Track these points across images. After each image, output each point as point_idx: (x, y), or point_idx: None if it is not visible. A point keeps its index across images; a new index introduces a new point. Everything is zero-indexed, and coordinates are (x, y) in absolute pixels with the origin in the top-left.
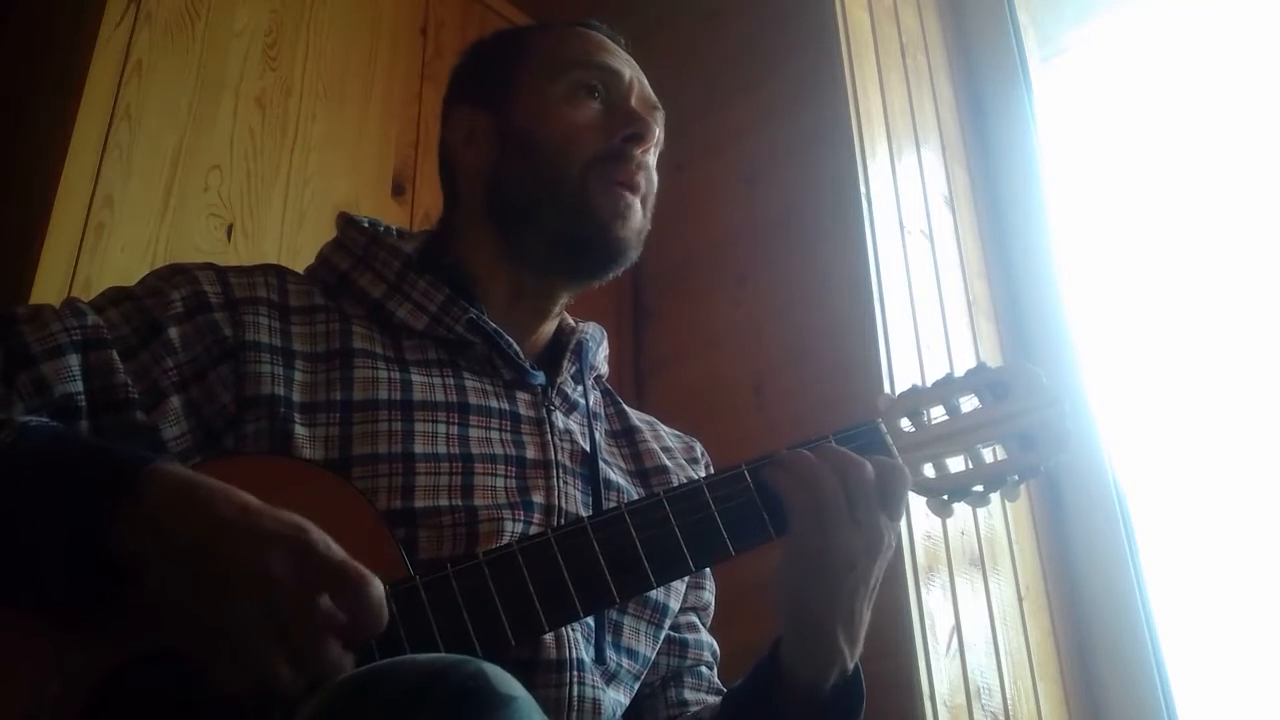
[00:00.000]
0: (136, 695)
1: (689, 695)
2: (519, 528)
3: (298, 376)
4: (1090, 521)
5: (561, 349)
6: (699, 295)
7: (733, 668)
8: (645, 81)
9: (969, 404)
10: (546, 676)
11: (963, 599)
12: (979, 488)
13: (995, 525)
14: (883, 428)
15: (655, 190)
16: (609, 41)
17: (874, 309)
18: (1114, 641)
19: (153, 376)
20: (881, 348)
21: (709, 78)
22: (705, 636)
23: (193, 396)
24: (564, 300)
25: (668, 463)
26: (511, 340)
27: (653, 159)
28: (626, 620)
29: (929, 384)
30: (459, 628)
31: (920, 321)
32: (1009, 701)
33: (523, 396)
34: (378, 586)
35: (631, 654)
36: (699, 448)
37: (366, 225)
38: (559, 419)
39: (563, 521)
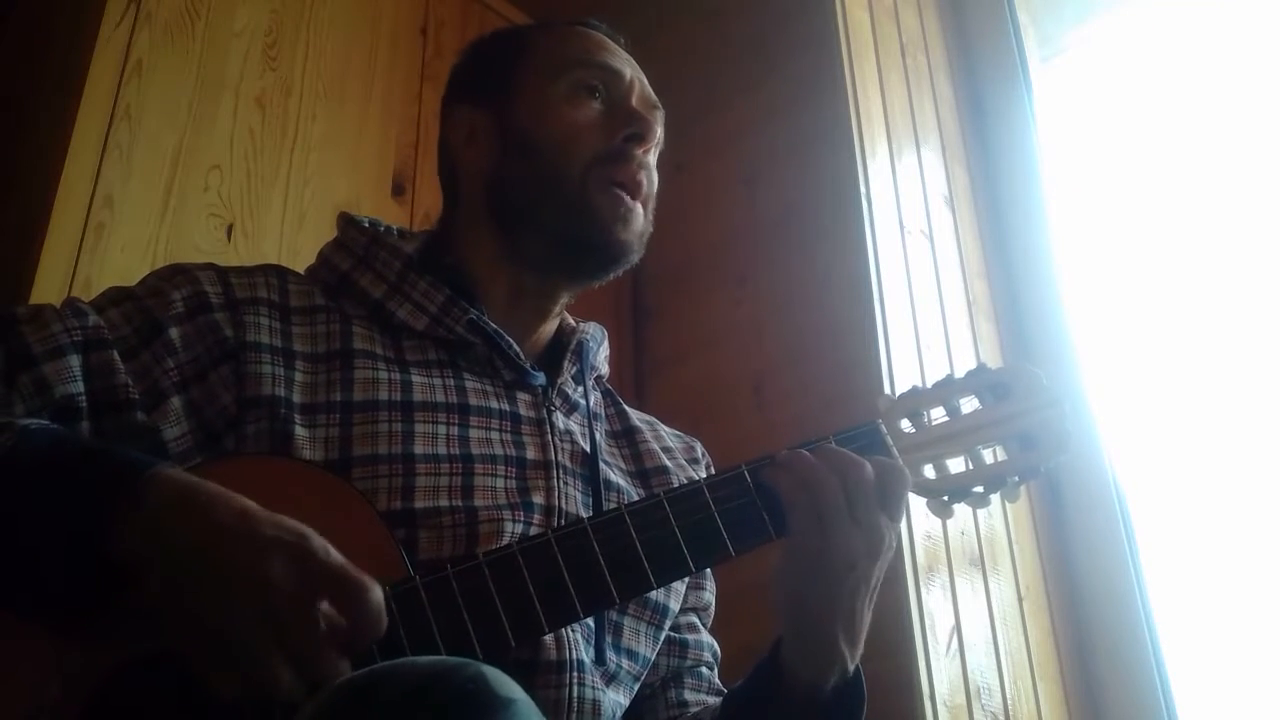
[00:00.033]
0: (136, 697)
1: (689, 696)
2: (519, 528)
3: (298, 377)
4: (1090, 521)
5: (562, 349)
6: (699, 295)
7: (733, 668)
8: (645, 81)
9: (969, 405)
10: (546, 677)
11: (963, 599)
12: (979, 489)
13: (995, 525)
14: (883, 428)
15: (656, 190)
16: (609, 41)
17: (874, 309)
18: (1114, 641)
19: (153, 377)
20: (881, 348)
21: (709, 78)
22: (705, 637)
23: (193, 397)
24: (565, 300)
25: (668, 463)
26: (512, 341)
27: (653, 159)
28: (626, 621)
29: (929, 385)
30: (459, 628)
31: (920, 322)
32: (1009, 701)
33: (523, 397)
34: (377, 593)
35: (631, 655)
36: (699, 448)
37: (367, 225)
38: (559, 419)
39: (563, 522)
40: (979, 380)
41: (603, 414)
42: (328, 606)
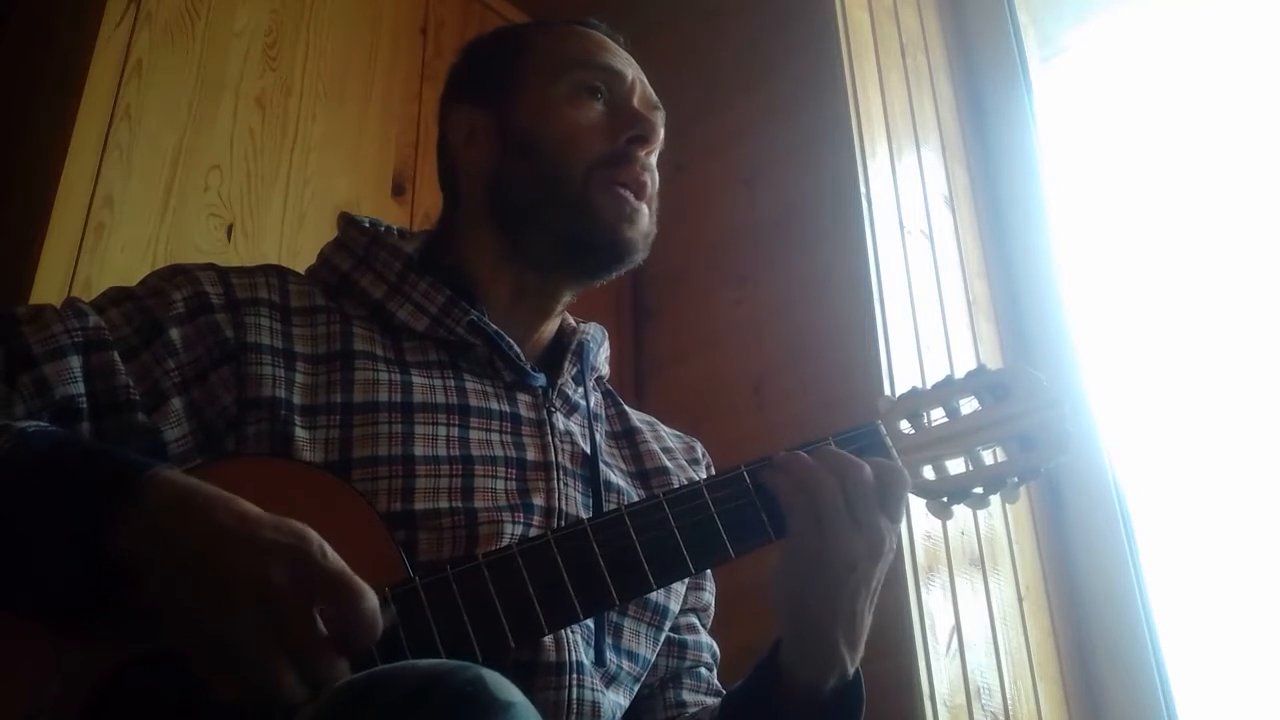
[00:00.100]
0: (136, 697)
1: (688, 697)
2: (519, 530)
3: (298, 378)
4: (1090, 521)
5: (562, 350)
6: (699, 295)
7: (732, 668)
8: (646, 81)
9: (969, 406)
10: (546, 679)
11: (963, 599)
12: (979, 489)
13: (995, 525)
14: (882, 429)
15: (658, 190)
16: (609, 41)
17: (874, 309)
18: (1114, 641)
19: (154, 377)
20: (881, 348)
21: (709, 78)
22: (705, 638)
23: (194, 398)
24: (567, 299)
25: (668, 463)
26: (513, 342)
27: (654, 159)
28: (626, 622)
29: (929, 386)
30: (459, 630)
31: (920, 322)
32: (1009, 701)
33: (523, 398)
34: (372, 600)
35: (631, 656)
36: (700, 448)
37: (367, 225)
38: (559, 420)
39: (563, 523)
40: (979, 381)
41: (603, 415)
42: (326, 610)
